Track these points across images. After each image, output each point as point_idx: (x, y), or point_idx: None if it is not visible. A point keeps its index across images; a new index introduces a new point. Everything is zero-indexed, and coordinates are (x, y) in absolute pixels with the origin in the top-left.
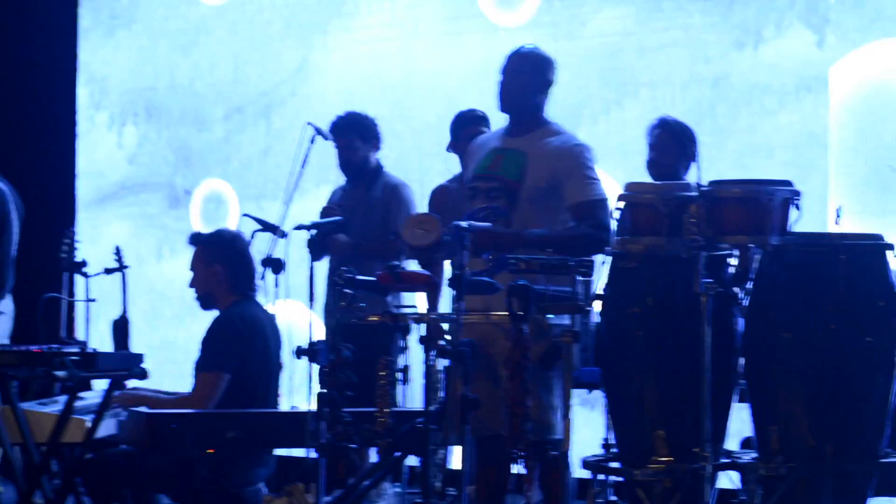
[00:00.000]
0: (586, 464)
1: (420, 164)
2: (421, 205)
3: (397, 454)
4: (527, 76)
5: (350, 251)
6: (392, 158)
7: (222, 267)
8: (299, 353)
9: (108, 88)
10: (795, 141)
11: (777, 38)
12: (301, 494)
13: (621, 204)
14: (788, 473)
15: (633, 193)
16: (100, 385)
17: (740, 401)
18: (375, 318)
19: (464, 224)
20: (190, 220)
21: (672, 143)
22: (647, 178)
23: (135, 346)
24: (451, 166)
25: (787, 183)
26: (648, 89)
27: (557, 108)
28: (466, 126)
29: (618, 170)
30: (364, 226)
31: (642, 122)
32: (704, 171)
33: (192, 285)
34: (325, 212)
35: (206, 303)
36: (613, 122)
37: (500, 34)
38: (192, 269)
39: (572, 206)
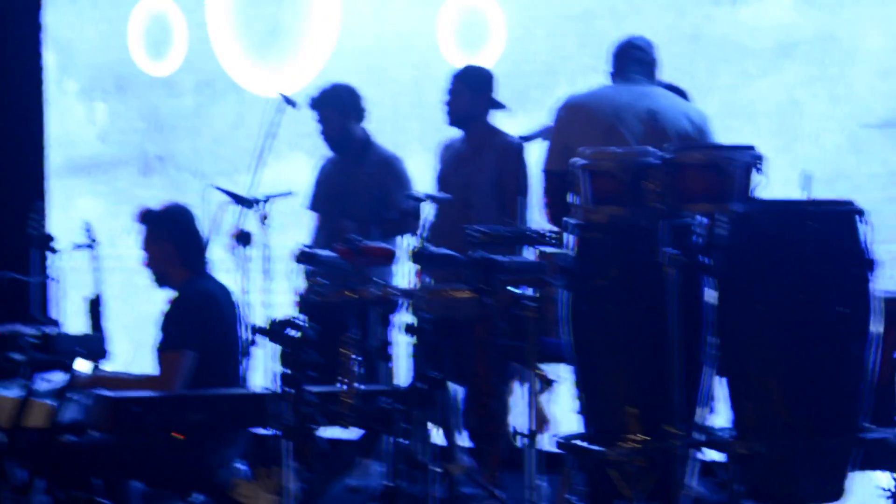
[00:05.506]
0: (560, 444)
1: (395, 126)
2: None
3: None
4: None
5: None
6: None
7: (173, 243)
8: (256, 331)
9: (74, 56)
10: (779, 107)
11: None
12: (269, 478)
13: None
14: (764, 451)
15: (592, 161)
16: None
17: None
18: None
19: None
20: (161, 189)
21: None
22: None
23: (110, 324)
24: (426, 129)
25: (750, 147)
26: None
27: (537, 66)
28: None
29: None
30: (363, 204)
31: None
32: None
33: (146, 265)
34: None
35: (160, 281)
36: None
37: None
38: (145, 248)
39: None
